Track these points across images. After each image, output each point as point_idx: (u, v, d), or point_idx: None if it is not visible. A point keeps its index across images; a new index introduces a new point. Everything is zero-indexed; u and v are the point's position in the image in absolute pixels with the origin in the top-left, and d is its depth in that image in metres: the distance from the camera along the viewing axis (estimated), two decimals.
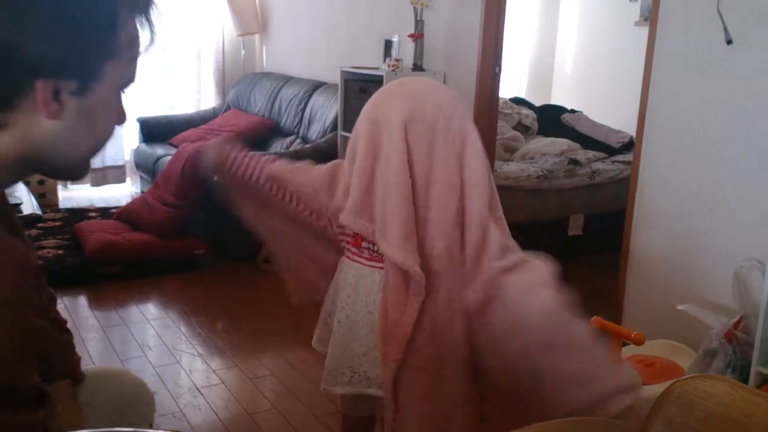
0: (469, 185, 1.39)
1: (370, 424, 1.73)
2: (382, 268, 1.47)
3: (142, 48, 0.86)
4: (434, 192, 1.39)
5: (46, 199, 4.65)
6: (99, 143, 0.87)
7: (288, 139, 4.53)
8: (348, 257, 1.54)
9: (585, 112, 5.09)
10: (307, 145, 4.20)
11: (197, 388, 2.58)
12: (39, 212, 4.18)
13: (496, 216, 1.44)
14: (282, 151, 4.29)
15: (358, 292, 1.50)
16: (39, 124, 0.79)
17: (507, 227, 1.47)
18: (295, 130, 4.54)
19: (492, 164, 3.66)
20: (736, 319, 2.17)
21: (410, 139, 1.38)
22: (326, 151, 4.02)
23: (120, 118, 0.89)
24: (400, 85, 1.49)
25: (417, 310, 1.39)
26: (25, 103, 0.77)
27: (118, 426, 1.16)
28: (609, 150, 4.49)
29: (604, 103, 5.25)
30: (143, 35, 0.86)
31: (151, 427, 1.38)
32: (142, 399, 1.33)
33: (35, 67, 0.75)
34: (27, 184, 4.44)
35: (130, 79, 0.87)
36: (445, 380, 1.44)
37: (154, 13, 0.86)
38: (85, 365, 2.97)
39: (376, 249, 1.47)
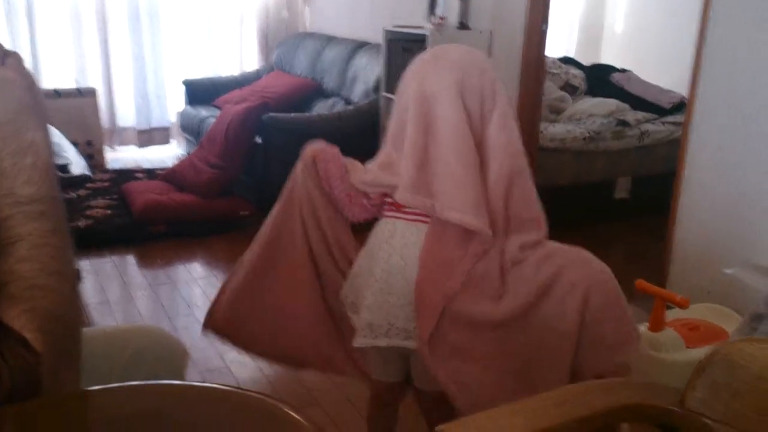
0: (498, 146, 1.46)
1: (402, 390, 1.71)
2: (422, 221, 1.49)
3: None
4: (486, 149, 1.45)
5: (94, 160, 4.74)
6: None
7: (331, 101, 4.52)
8: (385, 216, 1.56)
9: (635, 72, 4.94)
10: (349, 107, 4.18)
11: None
12: (88, 173, 4.28)
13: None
14: (325, 113, 4.28)
15: (393, 245, 1.51)
16: None
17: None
18: (338, 91, 4.52)
19: (537, 125, 3.60)
20: None
21: (467, 106, 1.44)
22: (369, 113, 4.00)
23: None
24: (437, 59, 1.51)
25: (468, 272, 1.43)
26: None
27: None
28: (659, 111, 4.36)
29: (656, 62, 5.07)
30: None
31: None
32: (172, 354, 1.35)
33: None
34: (76, 145, 4.53)
35: None
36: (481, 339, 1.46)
37: None
38: (134, 321, 3.04)
39: None
